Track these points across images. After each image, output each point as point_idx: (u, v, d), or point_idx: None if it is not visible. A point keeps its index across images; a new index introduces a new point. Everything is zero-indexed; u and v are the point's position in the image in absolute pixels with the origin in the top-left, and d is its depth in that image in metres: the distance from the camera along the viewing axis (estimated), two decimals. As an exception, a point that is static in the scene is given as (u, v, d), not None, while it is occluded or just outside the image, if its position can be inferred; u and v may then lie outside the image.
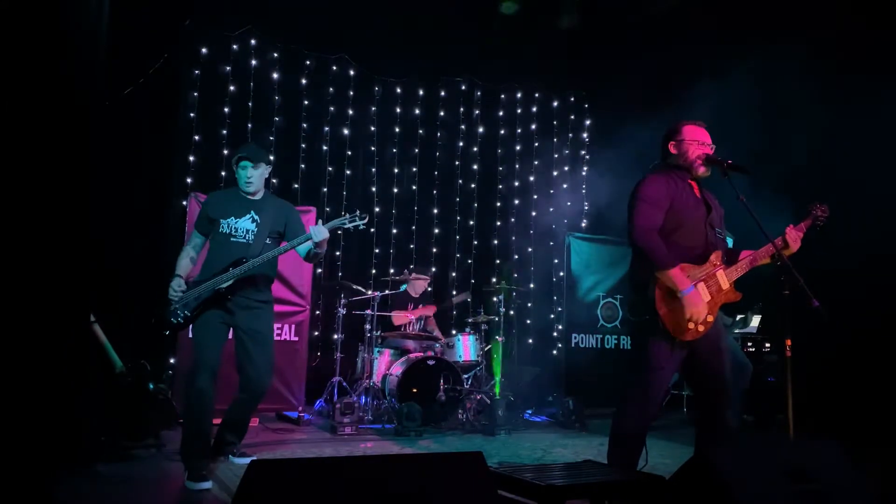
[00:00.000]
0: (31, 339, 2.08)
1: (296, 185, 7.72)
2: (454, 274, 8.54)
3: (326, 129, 7.97)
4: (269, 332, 4.31)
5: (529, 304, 8.82)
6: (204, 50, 7.21)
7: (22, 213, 2.08)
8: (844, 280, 5.62)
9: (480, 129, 8.87)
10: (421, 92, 8.49)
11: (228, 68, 7.36)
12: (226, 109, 7.34)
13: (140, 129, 6.39)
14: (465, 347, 6.62)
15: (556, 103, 9.21)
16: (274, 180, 7.42)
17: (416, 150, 8.48)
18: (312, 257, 4.30)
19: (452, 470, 2.26)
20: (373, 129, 8.27)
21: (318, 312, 7.62)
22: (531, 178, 9.06)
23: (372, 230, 8.15)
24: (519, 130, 9.09)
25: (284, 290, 6.30)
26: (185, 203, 6.37)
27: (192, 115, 7.13)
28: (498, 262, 8.78)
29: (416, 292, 7.15)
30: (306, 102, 7.85)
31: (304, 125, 7.85)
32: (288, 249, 4.23)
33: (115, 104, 5.80)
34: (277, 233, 4.32)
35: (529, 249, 8.95)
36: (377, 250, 8.16)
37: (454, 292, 7.59)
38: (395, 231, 8.30)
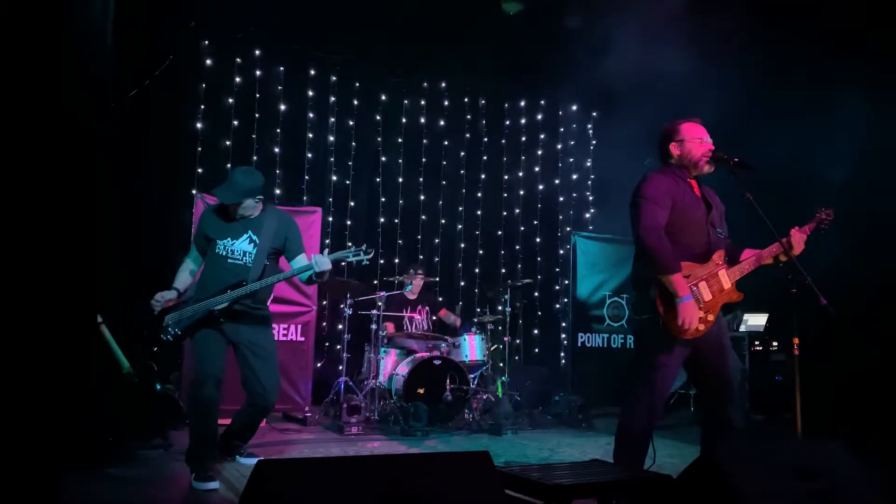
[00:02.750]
0: (38, 340, 2.09)
1: (302, 186, 7.74)
2: (463, 283, 8.54)
3: (332, 119, 7.94)
4: (272, 346, 4.22)
5: (536, 304, 8.82)
6: (208, 51, 7.22)
7: (28, 215, 2.09)
8: (852, 278, 5.59)
9: (485, 139, 8.86)
10: (423, 102, 8.49)
11: (233, 69, 7.38)
12: (230, 100, 7.34)
13: (146, 130, 6.41)
14: (472, 347, 6.61)
15: (560, 112, 9.21)
16: (277, 191, 7.45)
17: (424, 160, 8.47)
18: (312, 282, 4.15)
19: (459, 469, 2.25)
20: (379, 139, 8.28)
21: (324, 312, 7.63)
22: (539, 186, 9.06)
23: (378, 229, 8.16)
24: (524, 139, 9.08)
25: (290, 290, 6.31)
26: (193, 192, 6.39)
27: (197, 115, 7.16)
28: (504, 271, 8.76)
29: (413, 293, 7.14)
30: (311, 99, 7.85)
31: (311, 114, 7.84)
32: (289, 276, 4.15)
33: (120, 106, 5.82)
34: (276, 250, 4.19)
35: (535, 248, 8.95)
36: (382, 261, 8.14)
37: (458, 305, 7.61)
38: (400, 242, 8.29)
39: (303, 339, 6.41)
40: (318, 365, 7.29)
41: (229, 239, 4.08)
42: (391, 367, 6.47)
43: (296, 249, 4.21)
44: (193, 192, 6.53)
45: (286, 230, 4.19)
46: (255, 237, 4.10)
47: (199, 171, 7.07)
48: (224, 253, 4.06)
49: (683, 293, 3.23)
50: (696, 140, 3.50)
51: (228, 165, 7.19)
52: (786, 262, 3.46)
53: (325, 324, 7.70)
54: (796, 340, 3.39)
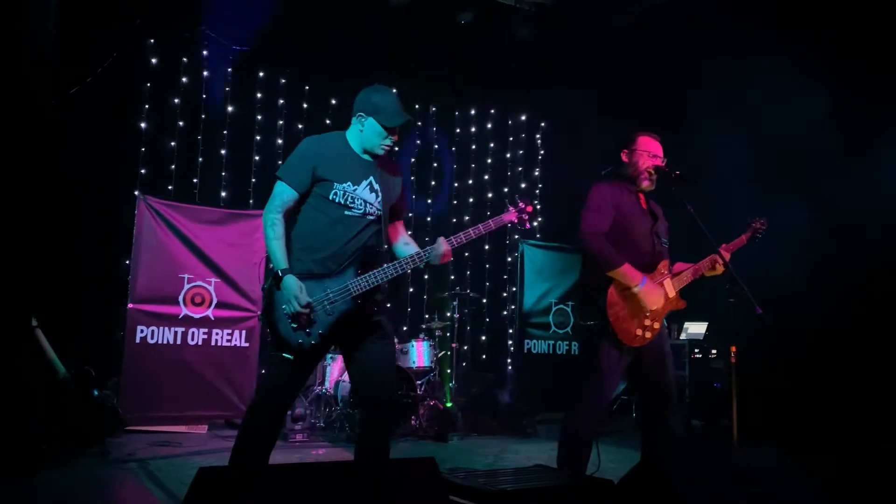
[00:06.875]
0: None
1: (249, 189, 7.63)
2: (411, 290, 8.52)
3: (280, 122, 7.81)
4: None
5: (483, 311, 8.87)
6: (154, 49, 7.07)
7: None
8: (788, 288, 5.78)
9: (436, 146, 8.88)
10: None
11: (180, 68, 7.24)
12: (176, 100, 7.18)
13: (88, 128, 6.24)
14: (419, 354, 6.61)
15: (510, 122, 9.32)
16: (224, 193, 7.32)
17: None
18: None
19: (404, 476, 2.25)
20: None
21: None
22: (489, 194, 9.13)
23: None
24: (473, 147, 9.13)
25: (234, 294, 6.22)
26: (136, 193, 6.23)
27: (142, 114, 7.00)
28: (452, 277, 8.78)
29: None
30: (259, 101, 7.74)
31: (259, 117, 7.70)
32: (409, 267, 2.95)
33: (61, 103, 5.66)
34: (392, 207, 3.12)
35: (484, 255, 9.00)
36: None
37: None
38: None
39: (247, 344, 6.32)
40: (263, 371, 7.18)
41: (349, 183, 2.90)
42: (337, 373, 6.42)
43: (399, 213, 3.14)
44: (136, 192, 6.37)
45: (400, 183, 3.11)
46: (376, 185, 2.96)
47: (143, 171, 6.90)
48: (342, 200, 2.87)
49: (637, 280, 3.32)
50: (645, 153, 3.59)
51: (173, 167, 7.05)
52: (724, 272, 3.57)
53: (269, 329, 7.59)
54: (733, 349, 3.49)
